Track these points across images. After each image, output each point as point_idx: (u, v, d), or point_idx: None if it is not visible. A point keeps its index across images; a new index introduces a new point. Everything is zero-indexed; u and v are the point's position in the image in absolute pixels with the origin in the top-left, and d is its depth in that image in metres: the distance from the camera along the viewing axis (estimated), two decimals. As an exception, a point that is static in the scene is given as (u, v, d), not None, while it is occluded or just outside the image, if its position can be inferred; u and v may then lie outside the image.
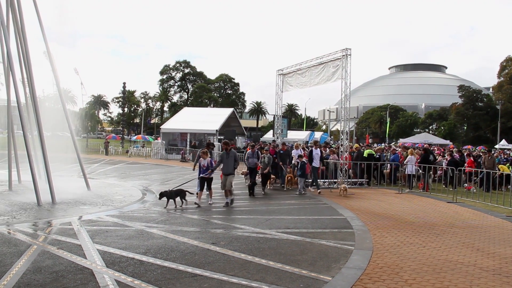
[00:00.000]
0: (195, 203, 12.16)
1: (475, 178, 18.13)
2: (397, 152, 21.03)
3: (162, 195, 11.80)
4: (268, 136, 46.25)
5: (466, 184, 17.67)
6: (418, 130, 79.59)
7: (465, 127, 77.88)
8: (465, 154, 22.63)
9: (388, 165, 19.50)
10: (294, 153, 17.43)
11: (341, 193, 14.98)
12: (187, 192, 12.14)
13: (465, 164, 18.66)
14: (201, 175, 12.71)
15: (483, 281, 6.09)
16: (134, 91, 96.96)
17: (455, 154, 21.53)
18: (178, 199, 11.97)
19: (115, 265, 6.37)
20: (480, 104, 74.02)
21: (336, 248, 7.81)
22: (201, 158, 12.85)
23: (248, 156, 15.90)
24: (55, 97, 15.89)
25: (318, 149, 16.83)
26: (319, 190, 15.62)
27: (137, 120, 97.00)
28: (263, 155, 15.86)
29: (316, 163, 16.29)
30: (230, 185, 12.29)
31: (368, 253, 7.43)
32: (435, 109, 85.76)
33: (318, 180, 16.44)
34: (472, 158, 20.76)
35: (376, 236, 8.77)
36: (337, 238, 8.55)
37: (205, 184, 12.78)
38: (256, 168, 16.05)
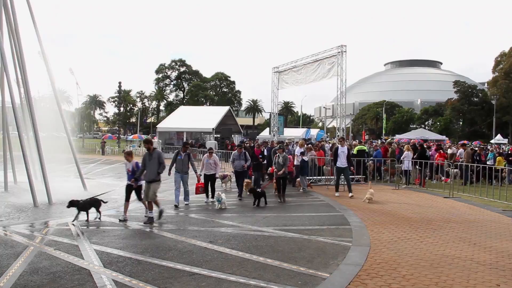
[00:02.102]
0: (120, 220, 9.87)
1: (455, 170, 18.35)
2: (379, 148, 20.99)
3: (72, 204, 9.71)
4: (265, 133, 46.24)
5: (443, 177, 18.20)
6: (414, 126, 79.75)
7: (461, 123, 78.11)
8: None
9: (371, 161, 19.47)
10: (297, 151, 16.40)
11: (366, 201, 12.83)
12: (101, 203, 10.18)
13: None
14: (127, 182, 10.35)
15: (480, 275, 6.11)
16: (129, 91, 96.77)
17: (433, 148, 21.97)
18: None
19: (113, 265, 6.36)
20: (475, 99, 74.25)
21: (334, 244, 7.82)
22: (126, 161, 10.47)
23: (234, 158, 13.99)
24: (51, 97, 15.80)
25: (345, 146, 14.79)
26: (337, 194, 14.21)
27: (133, 120, 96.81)
28: (277, 154, 13.46)
29: (342, 162, 14.38)
30: (153, 195, 9.82)
31: (366, 249, 7.45)
32: (431, 105, 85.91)
33: (307, 177, 15.83)
34: (442, 152, 21.34)
35: (373, 232, 8.79)
36: (334, 235, 8.56)
37: (135, 193, 10.41)
38: (247, 172, 14.49)
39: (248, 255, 6.97)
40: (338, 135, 18.69)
